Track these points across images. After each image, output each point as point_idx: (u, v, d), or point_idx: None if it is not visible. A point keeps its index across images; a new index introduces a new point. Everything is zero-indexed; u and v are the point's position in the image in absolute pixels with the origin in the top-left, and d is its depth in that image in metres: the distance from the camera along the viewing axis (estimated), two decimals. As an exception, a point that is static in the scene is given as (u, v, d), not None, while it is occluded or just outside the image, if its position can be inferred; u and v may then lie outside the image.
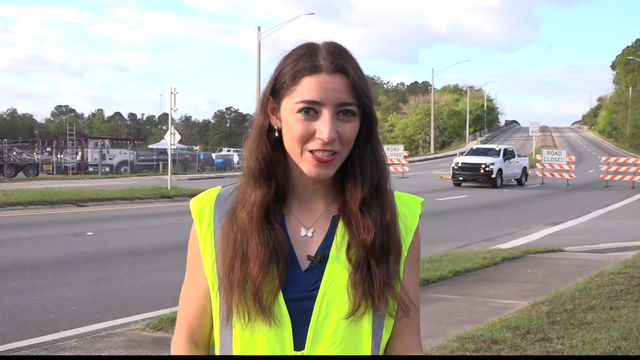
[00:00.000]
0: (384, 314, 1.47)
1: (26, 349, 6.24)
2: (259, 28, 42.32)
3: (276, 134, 1.48)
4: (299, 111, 1.41)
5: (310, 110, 1.41)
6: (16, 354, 6.16)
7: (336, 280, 1.45)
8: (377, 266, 1.44)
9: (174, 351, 1.58)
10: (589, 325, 6.42)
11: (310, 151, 1.42)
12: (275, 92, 1.47)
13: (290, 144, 1.44)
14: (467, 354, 5.56)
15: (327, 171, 1.43)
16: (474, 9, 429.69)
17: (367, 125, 1.47)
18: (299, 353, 1.44)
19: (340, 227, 1.48)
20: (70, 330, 6.91)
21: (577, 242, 13.79)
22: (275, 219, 1.48)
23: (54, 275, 9.70)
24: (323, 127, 1.40)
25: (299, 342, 1.45)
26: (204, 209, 1.54)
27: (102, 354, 5.93)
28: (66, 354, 5.97)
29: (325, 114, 1.40)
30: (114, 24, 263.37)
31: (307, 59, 1.43)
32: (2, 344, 6.45)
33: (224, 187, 1.58)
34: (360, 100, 1.43)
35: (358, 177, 1.47)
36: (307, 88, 1.41)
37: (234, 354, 1.48)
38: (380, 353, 1.51)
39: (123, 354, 5.95)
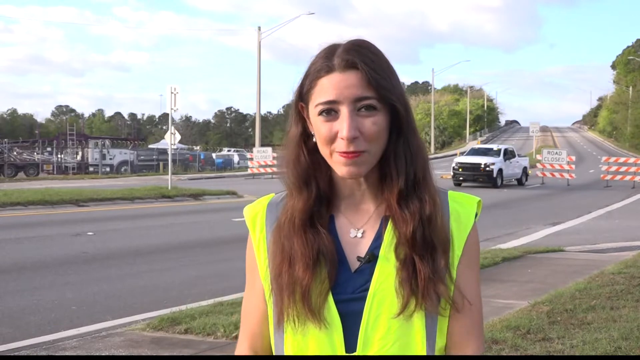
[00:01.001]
0: (436, 314, 1.43)
1: (26, 349, 6.24)
2: (259, 28, 42.40)
3: (314, 140, 1.47)
4: (320, 113, 1.41)
5: (331, 111, 1.40)
6: (17, 353, 6.16)
7: (386, 281, 1.42)
8: (421, 262, 1.40)
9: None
10: (589, 325, 6.42)
11: (338, 152, 1.41)
12: (302, 97, 1.47)
13: (321, 148, 1.44)
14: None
15: (357, 168, 1.41)
16: (475, 9, 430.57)
17: (395, 118, 1.44)
18: (350, 355, 1.42)
19: (390, 227, 1.45)
20: (70, 330, 6.91)
21: (578, 242, 13.79)
22: (321, 222, 1.47)
23: (55, 275, 9.70)
24: (342, 125, 1.38)
25: (350, 345, 1.42)
26: (257, 215, 1.55)
27: (103, 354, 5.93)
28: (66, 353, 5.97)
29: (344, 112, 1.39)
30: (114, 23, 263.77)
31: (323, 60, 1.43)
32: (3, 344, 6.45)
33: (277, 193, 1.57)
34: (379, 94, 1.40)
35: (393, 172, 1.45)
36: (323, 89, 1.41)
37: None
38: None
39: (123, 353, 5.95)
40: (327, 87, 1.41)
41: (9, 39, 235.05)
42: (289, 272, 1.44)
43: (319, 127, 1.42)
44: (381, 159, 1.45)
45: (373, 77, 1.40)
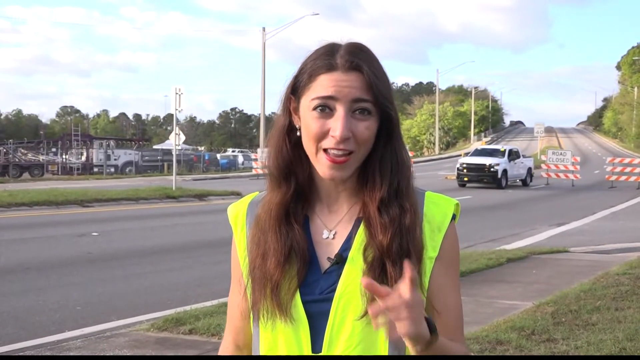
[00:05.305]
0: None
1: (31, 349, 6.26)
2: (263, 29, 42.37)
3: (297, 133, 1.48)
4: (315, 108, 1.42)
5: (326, 107, 1.41)
6: (21, 354, 6.17)
7: (352, 283, 1.44)
8: (394, 267, 1.41)
9: (219, 353, 1.64)
10: (594, 326, 6.41)
11: (325, 150, 1.41)
12: (295, 90, 1.48)
13: (307, 143, 1.45)
14: (472, 354, 5.55)
15: (341, 173, 1.43)
16: (485, 9, 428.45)
17: (386, 125, 1.46)
18: (316, 355, 1.44)
19: (361, 230, 1.47)
20: (75, 330, 6.92)
21: (582, 242, 13.75)
22: (296, 219, 1.49)
23: (59, 276, 9.72)
24: (336, 124, 1.40)
25: (318, 344, 1.45)
26: (239, 214, 1.58)
27: (107, 354, 5.94)
28: (71, 354, 5.99)
29: (340, 111, 1.40)
30: (122, 24, 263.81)
31: (324, 57, 1.45)
32: (8, 344, 6.46)
33: (260, 192, 1.59)
34: (377, 99, 1.42)
35: (377, 177, 1.46)
36: (322, 85, 1.42)
37: (260, 353, 1.51)
38: None
39: (128, 354, 5.96)
40: (327, 84, 1.42)
41: (16, 39, 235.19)
42: (261, 267, 1.47)
43: (309, 123, 1.43)
44: (363, 163, 1.46)
45: (374, 81, 1.42)
